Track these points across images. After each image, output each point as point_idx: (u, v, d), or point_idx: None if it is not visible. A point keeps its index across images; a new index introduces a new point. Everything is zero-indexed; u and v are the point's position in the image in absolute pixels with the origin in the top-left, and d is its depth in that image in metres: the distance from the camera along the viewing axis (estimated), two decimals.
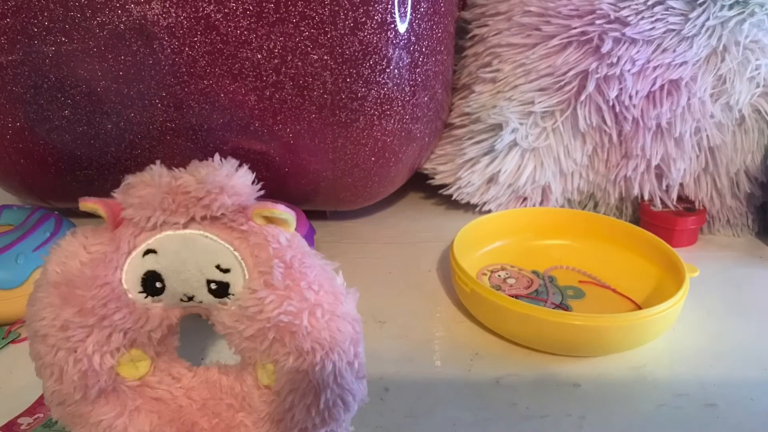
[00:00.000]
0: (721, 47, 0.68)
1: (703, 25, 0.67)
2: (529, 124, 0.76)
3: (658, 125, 0.72)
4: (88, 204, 0.37)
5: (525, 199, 0.82)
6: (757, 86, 0.70)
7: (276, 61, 0.61)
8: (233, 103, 0.63)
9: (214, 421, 0.41)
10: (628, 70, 0.70)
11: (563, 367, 0.53)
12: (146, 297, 0.39)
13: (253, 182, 0.38)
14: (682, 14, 0.67)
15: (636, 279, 0.65)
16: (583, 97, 0.73)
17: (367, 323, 0.60)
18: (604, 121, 0.74)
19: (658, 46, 0.69)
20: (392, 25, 0.61)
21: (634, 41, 0.69)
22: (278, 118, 0.64)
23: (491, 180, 0.80)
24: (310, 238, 0.65)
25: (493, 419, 0.47)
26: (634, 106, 0.72)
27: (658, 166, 0.75)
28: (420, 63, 0.65)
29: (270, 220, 0.38)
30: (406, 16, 0.62)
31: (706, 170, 0.75)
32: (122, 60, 0.61)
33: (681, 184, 0.76)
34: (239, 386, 0.41)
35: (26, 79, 0.62)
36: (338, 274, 0.39)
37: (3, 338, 0.56)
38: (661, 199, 0.77)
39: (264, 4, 0.59)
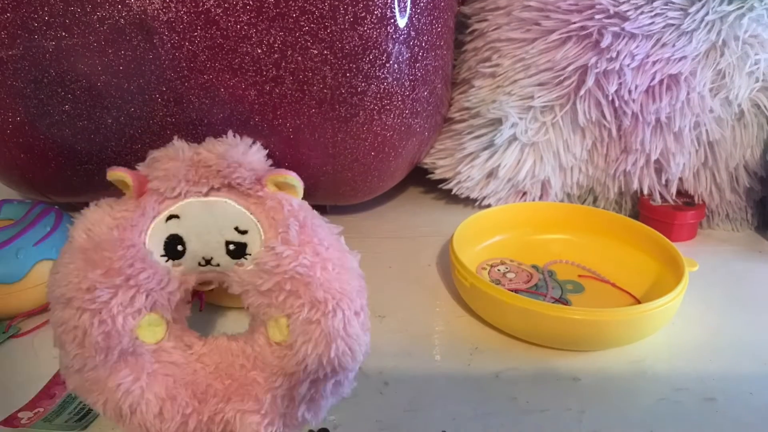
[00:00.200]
0: (720, 42, 0.68)
1: (702, 20, 0.67)
2: (529, 118, 0.76)
3: (658, 120, 0.72)
4: (116, 173, 0.42)
5: (524, 193, 0.82)
6: (757, 81, 0.70)
7: (276, 55, 0.61)
8: (233, 98, 0.63)
9: (227, 382, 0.43)
10: (628, 65, 0.70)
11: (563, 361, 0.54)
12: (167, 261, 0.43)
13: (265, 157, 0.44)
14: (682, 9, 0.67)
15: (635, 273, 0.65)
16: (582, 92, 0.73)
17: None
18: (604, 116, 0.74)
19: (658, 40, 0.69)
20: (392, 20, 0.61)
21: (633, 36, 0.69)
22: (278, 112, 0.64)
23: (491, 174, 0.81)
24: None
25: (493, 413, 0.47)
26: (634, 100, 0.72)
27: (657, 161, 0.75)
28: (420, 58, 0.65)
29: (280, 187, 0.44)
30: (405, 10, 0.62)
31: (705, 165, 0.75)
32: (122, 55, 0.61)
33: (680, 179, 0.76)
34: (250, 348, 0.44)
35: (26, 74, 0.62)
36: (341, 237, 0.45)
37: (3, 332, 0.56)
38: (660, 194, 0.77)
39: None
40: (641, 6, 0.68)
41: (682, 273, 0.57)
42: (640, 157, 0.75)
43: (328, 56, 0.61)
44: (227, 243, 0.43)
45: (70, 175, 0.69)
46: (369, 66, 0.62)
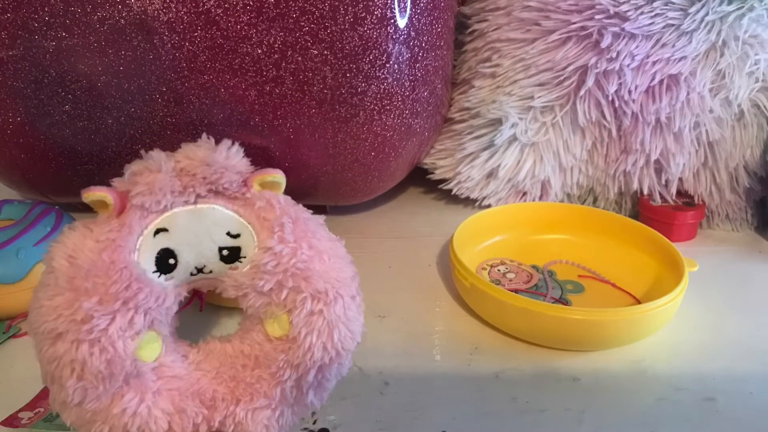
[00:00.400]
0: (720, 42, 0.68)
1: (702, 20, 0.67)
2: (529, 118, 0.76)
3: (658, 120, 0.72)
4: (95, 194, 0.40)
5: (524, 193, 0.82)
6: (756, 81, 0.70)
7: (276, 56, 0.61)
8: (233, 98, 0.63)
9: (232, 384, 0.43)
10: (628, 65, 0.70)
11: (563, 361, 0.54)
12: (159, 276, 0.41)
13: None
14: (682, 9, 0.67)
15: (635, 273, 0.65)
16: (582, 92, 0.73)
17: (366, 318, 0.59)
18: (604, 116, 0.74)
19: (658, 41, 0.69)
20: (392, 20, 0.61)
21: (633, 36, 0.69)
22: (278, 113, 0.64)
23: (491, 175, 0.81)
24: None
25: (493, 413, 0.47)
26: (634, 100, 0.72)
27: (657, 161, 0.75)
28: (420, 58, 0.65)
29: (265, 185, 0.43)
30: (405, 11, 0.62)
31: (705, 165, 0.75)
32: (122, 55, 0.61)
33: (680, 179, 0.76)
34: (248, 347, 0.43)
35: (27, 74, 0.62)
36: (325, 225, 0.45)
37: (4, 333, 0.56)
38: (660, 194, 0.77)
39: (264, 0, 0.59)
40: (641, 6, 0.68)
41: (682, 273, 0.57)
42: (640, 157, 0.75)
43: (329, 56, 0.61)
44: (220, 249, 0.42)
45: (71, 176, 0.69)
46: (369, 66, 0.62)
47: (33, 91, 0.63)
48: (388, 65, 0.63)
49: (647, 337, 0.56)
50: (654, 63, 0.70)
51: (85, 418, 0.39)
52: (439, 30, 0.67)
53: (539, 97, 0.75)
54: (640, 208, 0.79)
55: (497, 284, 0.60)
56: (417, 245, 0.75)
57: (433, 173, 0.85)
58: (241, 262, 0.43)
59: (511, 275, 0.66)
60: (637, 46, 0.69)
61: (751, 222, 0.79)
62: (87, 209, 0.41)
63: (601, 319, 0.52)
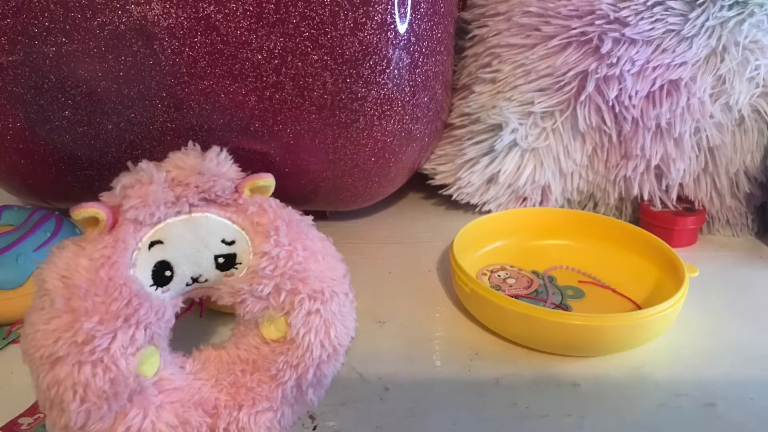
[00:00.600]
0: (720, 47, 0.68)
1: (702, 26, 0.67)
2: (529, 124, 0.77)
3: (658, 125, 0.72)
4: (87, 210, 0.38)
5: (525, 199, 0.82)
6: (757, 86, 0.70)
7: (276, 61, 0.61)
8: (233, 104, 0.63)
9: (233, 391, 0.43)
10: (628, 71, 0.70)
11: (563, 367, 0.54)
12: (156, 289, 0.41)
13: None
14: (682, 15, 0.67)
15: (636, 279, 0.65)
16: (582, 98, 0.73)
17: (367, 323, 0.60)
18: (604, 122, 0.74)
19: (658, 46, 0.69)
20: (392, 26, 0.61)
21: (633, 41, 0.69)
22: (278, 118, 0.64)
23: (491, 180, 0.81)
24: None
25: (493, 419, 0.47)
26: (634, 106, 0.72)
27: (657, 167, 0.75)
28: (420, 63, 0.65)
29: (254, 190, 0.43)
30: (406, 16, 0.62)
31: (705, 170, 0.75)
32: (122, 60, 0.61)
33: (680, 184, 0.76)
34: (244, 352, 0.44)
35: (27, 80, 0.62)
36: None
37: (3, 338, 0.56)
38: (660, 199, 0.77)
39: (264, 5, 0.59)
40: (641, 12, 0.68)
41: (682, 279, 0.57)
42: (641, 162, 0.75)
43: (329, 62, 0.61)
44: (216, 257, 0.42)
45: (71, 181, 0.69)
46: (369, 72, 0.62)
47: (33, 97, 0.63)
48: (388, 71, 0.63)
49: (647, 343, 0.56)
50: (654, 68, 0.70)
51: None
52: (439, 35, 0.67)
53: (539, 102, 0.75)
54: (640, 213, 0.79)
55: (497, 290, 0.60)
56: (417, 251, 0.75)
57: (433, 179, 0.85)
58: (236, 268, 0.43)
59: (511, 281, 0.66)
60: (637, 52, 0.69)
61: (752, 227, 0.79)
62: None
63: (602, 325, 0.52)
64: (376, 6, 0.60)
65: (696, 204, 0.77)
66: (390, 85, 0.64)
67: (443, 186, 0.84)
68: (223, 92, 0.63)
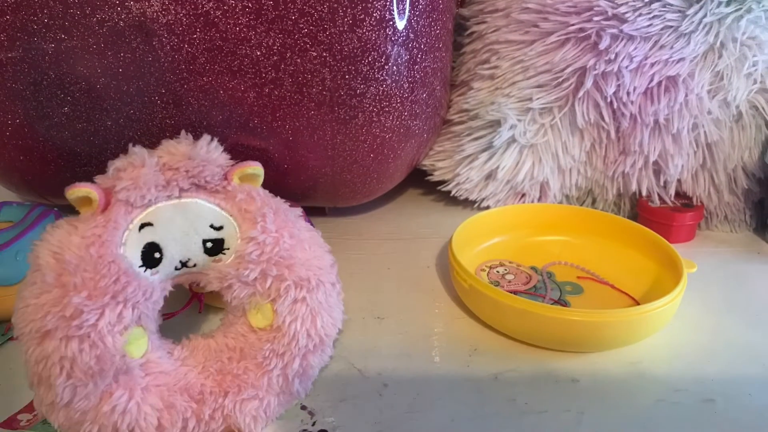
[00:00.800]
0: (718, 44, 0.68)
1: (700, 22, 0.67)
2: (527, 120, 0.77)
3: (656, 121, 0.72)
4: (81, 190, 0.40)
5: (523, 195, 0.82)
6: (755, 82, 0.70)
7: (275, 58, 0.61)
8: (232, 100, 0.63)
9: (219, 378, 0.44)
10: (626, 67, 0.70)
11: (562, 362, 0.54)
12: (145, 270, 0.42)
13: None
14: (680, 11, 0.68)
15: (634, 275, 0.65)
16: (581, 94, 0.73)
17: (365, 319, 0.60)
18: (602, 118, 0.74)
19: (656, 42, 0.69)
20: (391, 22, 0.61)
21: (631, 38, 0.69)
22: (277, 114, 0.64)
23: (490, 176, 0.81)
24: None
25: (492, 415, 0.47)
26: (632, 102, 0.72)
27: (655, 162, 0.75)
28: (418, 60, 0.65)
29: (244, 179, 0.45)
30: (404, 13, 0.62)
31: (703, 166, 0.75)
32: (122, 57, 0.61)
33: (679, 180, 0.76)
34: (232, 341, 0.45)
35: (26, 76, 0.62)
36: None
37: (3, 335, 0.56)
38: (659, 195, 0.77)
39: (263, 2, 0.59)
40: (639, 8, 0.68)
41: (680, 274, 0.57)
42: (639, 158, 0.75)
43: (327, 58, 0.61)
44: (204, 241, 0.43)
45: (70, 177, 0.69)
46: (368, 68, 0.62)
47: (32, 93, 0.63)
48: (386, 67, 0.63)
49: (646, 339, 0.56)
50: (652, 64, 0.70)
51: (73, 418, 0.39)
52: (437, 32, 0.67)
53: (538, 98, 0.75)
54: (638, 209, 0.79)
55: (496, 286, 0.60)
56: (416, 247, 0.75)
57: (432, 175, 0.85)
58: (224, 254, 0.44)
59: (510, 276, 0.66)
60: (635, 48, 0.69)
61: (750, 223, 0.79)
62: None
63: (600, 321, 0.52)
64: (374, 2, 0.60)
65: (694, 200, 0.77)
66: (389, 81, 0.64)
67: (442, 182, 0.84)
68: (222, 89, 0.63)
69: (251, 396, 0.43)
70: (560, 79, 0.74)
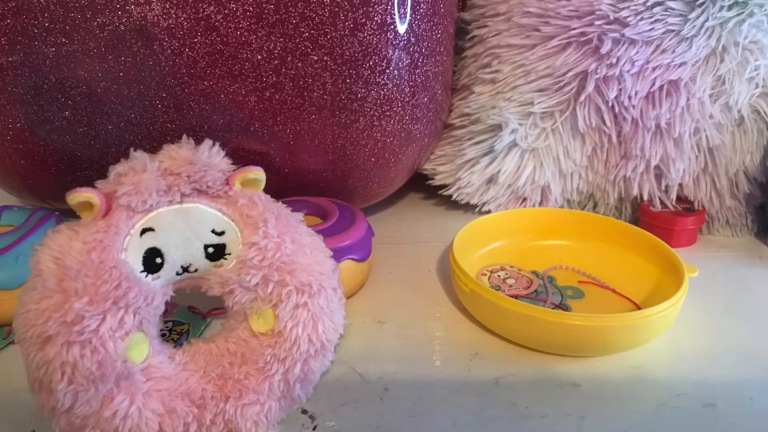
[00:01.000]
0: (720, 48, 0.68)
1: (702, 26, 0.67)
2: (529, 124, 0.77)
3: (658, 126, 0.72)
4: (82, 195, 0.40)
5: (524, 199, 0.82)
6: (756, 87, 0.70)
7: (276, 62, 0.61)
8: (233, 104, 0.63)
9: (220, 382, 0.43)
10: (628, 71, 0.70)
11: (563, 367, 0.54)
12: (147, 275, 0.41)
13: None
14: (681, 15, 0.68)
15: (635, 279, 0.65)
16: (582, 98, 0.73)
17: (366, 323, 0.60)
18: (604, 122, 0.74)
19: (658, 46, 0.69)
20: (392, 26, 0.61)
21: (633, 42, 0.69)
22: (278, 118, 0.64)
23: (491, 180, 0.81)
24: (368, 238, 0.64)
25: (493, 419, 0.47)
26: (634, 106, 0.72)
27: (657, 167, 0.75)
28: (420, 64, 0.66)
29: (245, 184, 0.44)
30: (405, 17, 0.62)
31: (705, 170, 0.75)
32: (122, 61, 0.61)
33: (680, 185, 0.76)
34: (234, 345, 0.45)
35: (27, 80, 0.62)
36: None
37: (3, 338, 0.56)
38: (660, 200, 0.77)
39: (264, 6, 0.59)
40: (641, 12, 0.68)
41: (682, 279, 0.57)
42: (640, 162, 0.75)
43: (328, 62, 0.61)
44: (206, 247, 0.43)
45: (71, 182, 0.69)
46: (369, 72, 0.62)
47: (33, 97, 0.63)
48: (388, 71, 0.63)
49: (647, 343, 0.56)
50: (654, 69, 0.70)
51: (75, 424, 0.39)
52: (438, 36, 0.67)
53: (539, 102, 0.75)
54: (640, 213, 0.79)
55: (497, 290, 0.60)
56: (417, 251, 0.75)
57: (433, 179, 0.85)
58: (226, 259, 0.44)
59: (511, 281, 0.66)
60: (637, 52, 0.69)
61: (751, 228, 0.79)
62: None
63: (601, 325, 0.52)
64: (375, 6, 0.60)
65: (695, 204, 0.77)
66: (390, 85, 0.64)
67: (443, 186, 0.84)
68: (222, 93, 0.63)
69: (252, 401, 0.43)
70: (562, 84, 0.74)
